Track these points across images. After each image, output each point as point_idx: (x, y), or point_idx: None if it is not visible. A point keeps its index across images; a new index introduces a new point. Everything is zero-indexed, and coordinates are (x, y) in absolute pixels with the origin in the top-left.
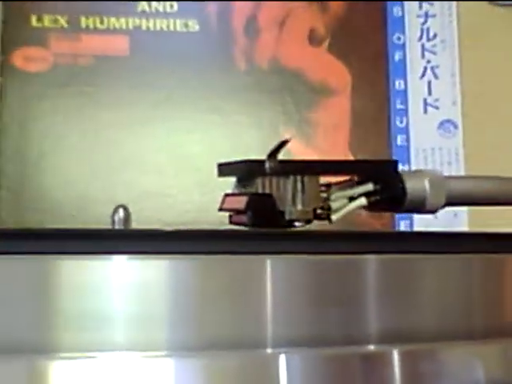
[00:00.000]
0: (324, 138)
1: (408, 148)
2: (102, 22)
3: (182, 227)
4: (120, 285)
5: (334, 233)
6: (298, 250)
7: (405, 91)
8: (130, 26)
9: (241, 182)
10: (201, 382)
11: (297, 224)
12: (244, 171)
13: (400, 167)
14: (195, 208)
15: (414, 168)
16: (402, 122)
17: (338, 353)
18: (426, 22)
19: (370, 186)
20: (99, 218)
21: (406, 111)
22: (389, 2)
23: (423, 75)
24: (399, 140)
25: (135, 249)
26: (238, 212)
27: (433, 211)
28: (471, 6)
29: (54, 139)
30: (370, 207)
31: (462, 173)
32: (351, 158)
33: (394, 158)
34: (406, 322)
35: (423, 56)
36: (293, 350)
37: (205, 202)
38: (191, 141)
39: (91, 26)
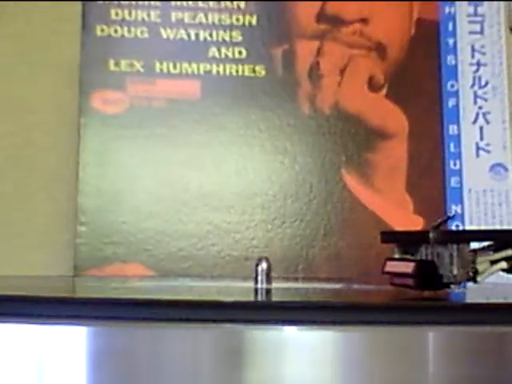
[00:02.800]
0: (382, 179)
1: (461, 189)
2: (175, 67)
3: (248, 262)
4: (290, 356)
5: (492, 304)
6: (457, 321)
7: (458, 136)
8: (201, 71)
9: (401, 248)
10: None
11: (452, 286)
12: (408, 239)
13: (453, 207)
14: (261, 244)
15: (466, 209)
16: (455, 165)
17: None
18: (478, 70)
19: (510, 252)
20: (172, 253)
21: (459, 155)
22: (443, 52)
23: (475, 121)
24: (453, 182)
25: (303, 318)
26: (400, 275)
27: None
28: None
29: (130, 177)
30: (509, 270)
31: None
32: (408, 198)
33: (448, 199)
34: None
35: (475, 102)
36: None
37: (270, 238)
38: (258, 180)
39: (165, 70)
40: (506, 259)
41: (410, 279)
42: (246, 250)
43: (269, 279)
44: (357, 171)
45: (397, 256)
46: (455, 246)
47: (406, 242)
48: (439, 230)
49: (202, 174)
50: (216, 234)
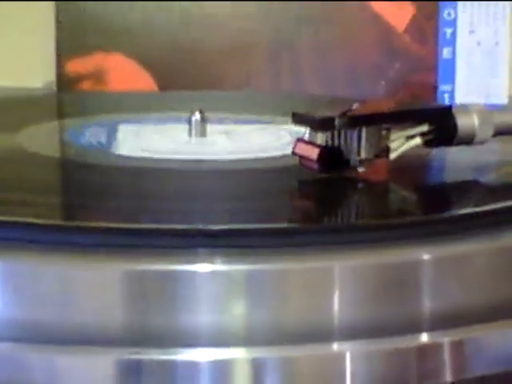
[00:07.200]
0: None
1: None
2: None
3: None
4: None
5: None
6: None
7: None
8: None
9: (312, 130)
10: (279, 374)
11: (359, 170)
12: (316, 124)
13: None
14: (248, 35)
15: None
16: None
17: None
18: None
19: (425, 127)
20: (158, 42)
21: None
22: None
23: None
24: None
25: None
26: (307, 159)
27: (481, 143)
28: None
29: None
30: (424, 145)
31: None
32: None
33: None
34: (457, 306)
35: None
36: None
37: (259, 29)
38: None
39: None
40: (422, 135)
41: (315, 164)
42: (233, 40)
43: (203, 131)
44: None
45: (306, 138)
46: (364, 129)
47: (315, 127)
48: (346, 116)
49: None
50: (202, 24)
